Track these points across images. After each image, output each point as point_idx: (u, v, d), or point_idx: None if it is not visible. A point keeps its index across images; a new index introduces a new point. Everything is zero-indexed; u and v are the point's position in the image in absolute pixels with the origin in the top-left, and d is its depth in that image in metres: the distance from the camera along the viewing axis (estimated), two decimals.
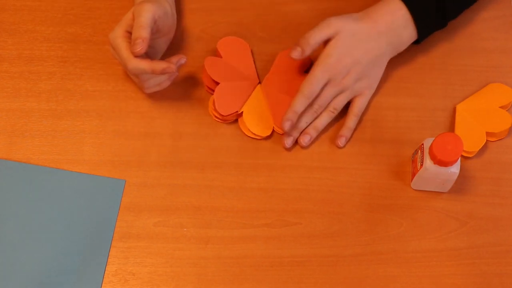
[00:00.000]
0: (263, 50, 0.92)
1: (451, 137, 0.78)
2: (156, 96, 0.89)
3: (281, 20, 0.95)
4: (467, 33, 0.95)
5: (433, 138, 0.79)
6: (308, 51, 0.85)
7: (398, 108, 0.90)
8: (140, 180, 0.84)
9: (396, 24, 0.87)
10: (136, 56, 0.81)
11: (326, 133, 0.89)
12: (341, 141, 0.87)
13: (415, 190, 0.86)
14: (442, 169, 0.80)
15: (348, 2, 0.95)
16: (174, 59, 0.84)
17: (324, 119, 0.87)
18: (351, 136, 0.88)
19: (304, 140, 0.87)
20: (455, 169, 0.80)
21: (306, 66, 0.90)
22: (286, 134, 0.86)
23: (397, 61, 0.92)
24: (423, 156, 0.81)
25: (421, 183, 0.84)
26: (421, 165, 0.81)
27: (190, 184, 0.85)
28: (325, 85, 0.86)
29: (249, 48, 0.91)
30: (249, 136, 0.87)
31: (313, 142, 0.88)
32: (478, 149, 0.86)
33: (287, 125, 0.84)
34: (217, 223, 0.83)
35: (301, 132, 0.87)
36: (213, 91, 0.87)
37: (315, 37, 0.85)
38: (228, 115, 0.86)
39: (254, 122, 0.87)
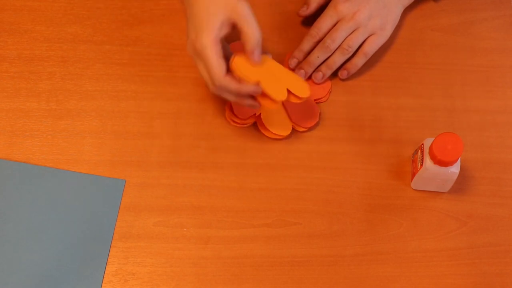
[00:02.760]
0: (263, 50, 0.92)
1: (451, 137, 0.78)
2: (156, 96, 0.89)
3: (282, 20, 0.95)
4: (467, 33, 0.95)
5: (433, 138, 0.79)
6: (313, 6, 0.91)
7: (398, 108, 0.90)
8: (140, 180, 0.84)
9: None
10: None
11: (326, 133, 0.89)
12: (342, 74, 0.90)
13: (415, 190, 0.86)
14: (442, 169, 0.80)
15: None
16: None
17: (337, 57, 0.89)
18: (354, 73, 0.91)
19: (317, 77, 0.89)
20: (455, 169, 0.80)
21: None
22: (297, 68, 0.89)
23: (397, 61, 0.92)
24: (423, 156, 0.81)
25: (421, 183, 0.84)
26: (421, 165, 0.81)
27: (190, 184, 0.85)
28: (336, 23, 0.88)
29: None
30: (269, 137, 0.87)
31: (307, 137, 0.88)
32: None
33: (293, 62, 0.89)
34: (217, 223, 0.83)
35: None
36: None
37: None
38: (247, 118, 0.86)
39: (273, 122, 0.87)
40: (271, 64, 0.82)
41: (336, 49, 0.88)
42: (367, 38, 0.89)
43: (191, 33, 0.78)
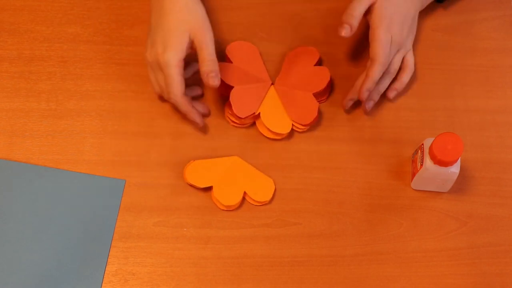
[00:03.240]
0: (264, 50, 0.92)
1: (451, 137, 0.78)
2: (156, 96, 0.89)
3: (282, 20, 0.95)
4: (467, 33, 0.95)
5: (433, 138, 0.79)
6: (355, 24, 0.85)
7: (398, 108, 0.90)
8: (140, 180, 0.84)
9: None
10: (212, 87, 0.82)
11: (326, 133, 0.89)
12: (392, 94, 0.90)
13: (415, 190, 0.86)
14: (442, 169, 0.80)
15: (349, 2, 0.94)
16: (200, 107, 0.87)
17: (386, 82, 0.89)
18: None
19: (369, 105, 0.88)
20: (455, 169, 0.80)
21: (315, 60, 0.90)
22: (368, 98, 0.87)
23: None
24: (423, 156, 0.81)
25: (421, 183, 0.84)
26: (421, 165, 0.81)
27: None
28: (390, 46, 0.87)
29: (257, 50, 0.91)
30: (268, 138, 0.87)
31: (308, 143, 0.88)
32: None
33: (366, 95, 0.85)
34: (217, 223, 0.83)
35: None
36: (227, 96, 0.87)
37: (357, 8, 0.85)
38: (246, 117, 0.86)
39: (273, 121, 0.87)
40: (237, 164, 0.85)
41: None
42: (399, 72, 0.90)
43: (158, 45, 0.81)
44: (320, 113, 0.89)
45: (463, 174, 0.85)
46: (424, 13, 0.95)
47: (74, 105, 0.88)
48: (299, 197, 0.85)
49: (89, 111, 0.88)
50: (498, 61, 0.94)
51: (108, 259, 0.80)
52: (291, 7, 0.95)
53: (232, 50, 0.90)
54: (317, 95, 0.89)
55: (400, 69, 0.89)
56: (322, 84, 0.89)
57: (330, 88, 0.90)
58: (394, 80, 0.90)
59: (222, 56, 0.90)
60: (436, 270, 0.82)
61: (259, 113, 0.87)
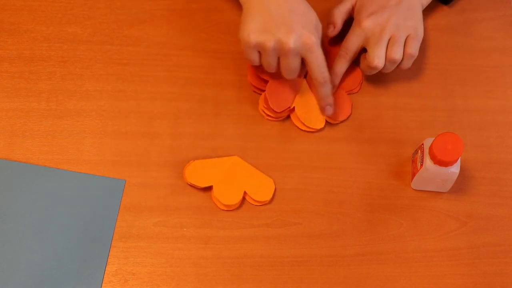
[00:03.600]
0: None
1: (451, 137, 0.78)
2: (156, 96, 0.89)
3: None
4: (467, 33, 0.95)
5: (433, 138, 0.79)
6: (339, 22, 0.90)
7: (398, 108, 0.90)
8: (140, 180, 0.84)
9: None
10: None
11: (326, 133, 0.89)
12: (406, 62, 0.88)
13: (415, 190, 0.86)
14: (442, 169, 0.80)
15: None
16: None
17: (389, 69, 0.88)
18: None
19: (328, 111, 0.88)
20: (455, 169, 0.80)
21: None
22: (326, 105, 0.88)
23: None
24: (423, 156, 0.81)
25: (421, 183, 0.84)
26: (421, 165, 0.81)
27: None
28: (365, 40, 0.87)
29: None
30: (303, 130, 0.88)
31: (312, 142, 0.88)
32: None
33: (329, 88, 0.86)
34: (217, 223, 0.83)
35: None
36: (261, 90, 0.88)
37: (340, 7, 0.90)
38: (282, 111, 0.87)
39: (307, 115, 0.87)
40: (237, 164, 0.85)
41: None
42: (406, 39, 0.88)
43: (301, 29, 0.81)
44: (352, 105, 0.90)
45: (463, 174, 0.85)
46: (424, 13, 0.94)
47: (74, 105, 0.88)
48: (299, 197, 0.85)
49: (89, 111, 0.88)
50: (498, 61, 0.94)
51: (108, 259, 0.80)
52: None
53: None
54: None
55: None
56: (354, 84, 0.91)
57: (361, 78, 0.91)
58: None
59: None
60: (436, 270, 0.82)
61: (293, 107, 0.87)
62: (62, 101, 0.88)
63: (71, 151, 0.85)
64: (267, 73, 0.88)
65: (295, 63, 0.82)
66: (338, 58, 0.89)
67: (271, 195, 0.84)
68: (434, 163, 0.79)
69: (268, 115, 0.88)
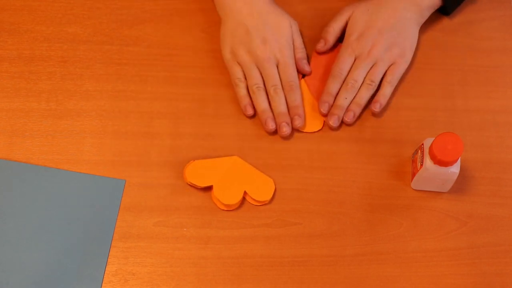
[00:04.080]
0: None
1: (451, 137, 0.78)
2: (156, 96, 0.89)
3: None
4: (467, 33, 0.95)
5: (433, 138, 0.79)
6: (331, 40, 0.91)
7: (398, 108, 0.90)
8: (140, 180, 0.84)
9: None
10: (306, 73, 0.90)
11: (326, 133, 0.89)
12: (375, 106, 0.88)
13: (415, 190, 0.86)
14: (442, 169, 0.80)
15: (348, 2, 0.94)
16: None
17: (363, 93, 0.88)
18: (387, 104, 0.90)
19: (348, 117, 0.88)
20: (455, 169, 0.80)
21: None
22: (330, 114, 0.88)
23: None
24: (423, 156, 0.81)
25: (421, 183, 0.84)
26: (421, 165, 0.81)
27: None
28: (355, 61, 0.89)
29: None
30: (301, 132, 0.88)
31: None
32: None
33: (325, 107, 0.88)
34: (217, 223, 0.83)
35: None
36: None
37: (333, 25, 0.91)
38: None
39: (306, 117, 0.88)
40: (237, 164, 0.85)
41: (361, 85, 0.88)
42: (388, 68, 0.89)
43: (271, 42, 0.87)
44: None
45: (463, 174, 0.85)
46: None
47: (74, 105, 0.88)
48: (299, 197, 0.85)
49: (89, 111, 0.88)
50: (498, 61, 0.94)
51: (108, 259, 0.80)
52: (291, 7, 0.95)
53: None
54: None
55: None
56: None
57: None
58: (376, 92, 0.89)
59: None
60: (436, 270, 0.82)
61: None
62: (62, 101, 0.88)
63: (71, 151, 0.85)
64: None
65: (274, 71, 0.87)
66: (332, 78, 0.88)
67: (271, 195, 0.84)
68: (434, 163, 0.79)
69: None
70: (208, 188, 0.84)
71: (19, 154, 0.85)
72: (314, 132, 0.88)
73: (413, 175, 0.84)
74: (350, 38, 0.89)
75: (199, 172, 0.84)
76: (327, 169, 0.87)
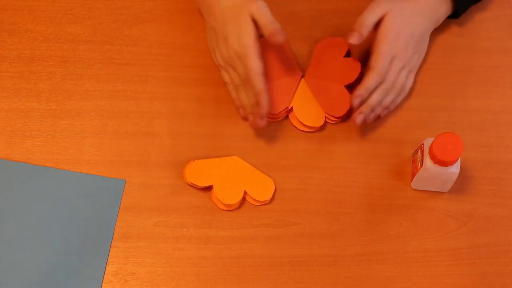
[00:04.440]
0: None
1: (451, 137, 0.78)
2: (156, 96, 0.89)
3: (281, 20, 0.94)
4: (467, 33, 0.95)
5: (433, 138, 0.79)
6: (365, 33, 0.85)
7: (398, 108, 0.90)
8: (140, 180, 0.84)
9: (433, 1, 0.89)
10: (278, 43, 0.83)
11: (326, 133, 0.89)
12: (383, 113, 0.88)
13: (415, 190, 0.86)
14: (442, 169, 0.80)
15: (348, 2, 0.94)
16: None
17: (395, 97, 0.88)
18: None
19: (359, 118, 0.86)
20: (455, 169, 0.80)
21: (344, 51, 0.90)
22: (359, 111, 0.86)
23: None
24: (423, 156, 0.81)
25: (421, 183, 0.84)
26: (421, 165, 0.81)
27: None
28: (391, 61, 0.86)
29: (286, 44, 0.91)
30: (302, 130, 0.88)
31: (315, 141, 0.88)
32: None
33: (357, 101, 0.85)
34: (217, 223, 0.83)
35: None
36: None
37: (369, 17, 0.86)
38: (279, 112, 0.87)
39: (306, 114, 0.87)
40: (237, 164, 0.85)
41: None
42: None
43: (231, 38, 0.83)
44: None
45: (463, 174, 0.85)
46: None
47: (74, 105, 0.88)
48: (299, 197, 0.85)
49: (89, 111, 0.88)
50: (498, 61, 0.94)
51: (108, 259, 0.80)
52: (291, 7, 0.95)
53: (261, 46, 0.90)
54: (347, 87, 0.89)
55: None
56: (353, 76, 0.89)
57: (360, 69, 0.90)
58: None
59: None
60: (436, 270, 0.82)
61: (291, 107, 0.87)
62: (62, 101, 0.88)
63: (71, 151, 0.85)
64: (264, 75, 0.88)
65: (238, 69, 0.84)
66: (376, 75, 0.85)
67: (271, 195, 0.84)
68: (434, 163, 0.79)
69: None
70: (208, 188, 0.84)
71: (19, 154, 0.85)
72: (315, 131, 0.88)
73: (413, 175, 0.84)
74: (390, 35, 0.85)
75: (199, 172, 0.84)
76: (327, 169, 0.87)
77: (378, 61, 0.85)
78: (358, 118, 0.85)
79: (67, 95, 0.89)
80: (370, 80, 0.85)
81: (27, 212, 0.82)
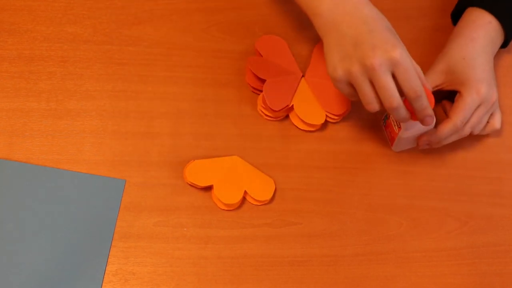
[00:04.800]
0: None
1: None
2: (156, 96, 0.89)
3: (282, 20, 0.95)
4: None
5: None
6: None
7: None
8: (140, 180, 0.84)
9: (490, 35, 0.86)
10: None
11: (326, 133, 0.89)
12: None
13: (415, 189, 0.86)
14: (419, 124, 0.79)
15: None
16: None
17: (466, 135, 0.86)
18: None
19: (423, 147, 0.85)
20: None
21: None
22: (424, 140, 0.84)
23: None
24: None
25: (403, 144, 0.85)
26: (399, 127, 0.81)
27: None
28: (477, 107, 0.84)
29: (286, 44, 0.91)
30: (302, 130, 0.88)
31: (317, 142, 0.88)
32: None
33: (424, 147, 0.85)
34: (217, 223, 0.83)
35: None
36: (259, 90, 0.88)
37: (430, 80, 0.86)
38: (280, 110, 0.87)
39: (306, 113, 0.87)
40: (237, 164, 0.85)
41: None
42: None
43: (385, 45, 0.74)
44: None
45: (463, 173, 0.85)
46: (424, 13, 0.95)
47: (74, 105, 0.88)
48: (299, 197, 0.85)
49: (89, 111, 0.88)
50: (498, 61, 0.94)
51: (108, 259, 0.81)
52: (291, 7, 0.95)
53: (261, 44, 0.90)
54: None
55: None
56: None
57: None
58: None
59: (251, 51, 0.91)
60: (436, 270, 0.82)
61: (292, 105, 0.88)
62: (62, 101, 0.88)
63: (71, 151, 0.86)
64: (264, 72, 0.88)
65: (388, 81, 0.74)
66: (451, 126, 0.82)
67: (271, 195, 0.84)
68: (413, 120, 0.78)
69: (266, 115, 0.88)
70: (208, 188, 0.84)
71: (19, 154, 0.85)
72: (316, 130, 0.88)
73: (392, 139, 0.85)
74: (473, 86, 0.83)
75: (199, 172, 0.84)
76: (327, 169, 0.87)
77: (460, 113, 0.82)
78: (422, 145, 0.85)
79: (67, 95, 0.89)
80: (445, 130, 0.83)
81: (27, 212, 0.82)
